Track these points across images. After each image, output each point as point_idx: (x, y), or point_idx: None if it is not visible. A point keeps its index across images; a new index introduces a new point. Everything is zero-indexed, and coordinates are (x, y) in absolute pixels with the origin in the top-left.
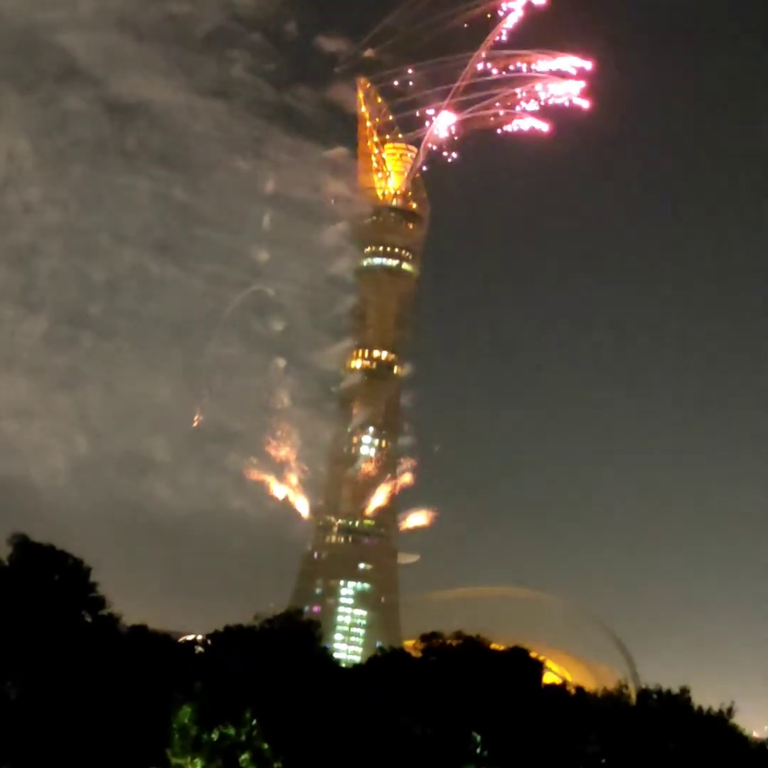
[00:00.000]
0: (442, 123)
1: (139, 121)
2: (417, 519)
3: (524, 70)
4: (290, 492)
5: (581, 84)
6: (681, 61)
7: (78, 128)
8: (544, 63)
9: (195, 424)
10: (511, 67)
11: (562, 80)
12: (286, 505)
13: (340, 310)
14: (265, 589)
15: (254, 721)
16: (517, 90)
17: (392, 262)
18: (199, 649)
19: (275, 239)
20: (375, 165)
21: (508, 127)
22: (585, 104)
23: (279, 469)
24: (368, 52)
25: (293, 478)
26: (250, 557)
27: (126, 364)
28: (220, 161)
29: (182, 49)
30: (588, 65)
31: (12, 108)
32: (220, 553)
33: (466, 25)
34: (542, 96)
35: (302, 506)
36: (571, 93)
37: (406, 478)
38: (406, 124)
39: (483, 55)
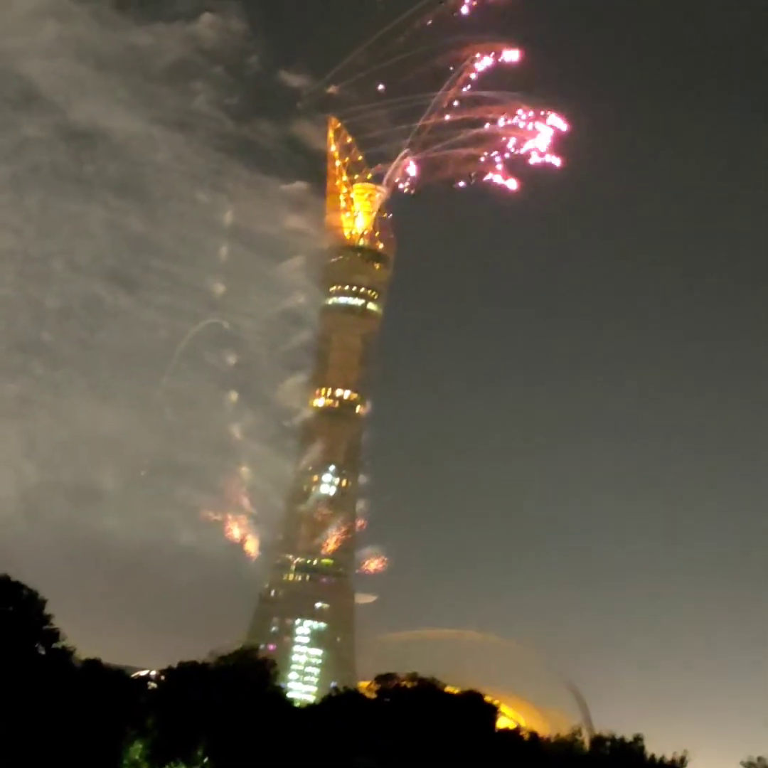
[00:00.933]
0: (404, 165)
1: (98, 149)
2: (374, 561)
3: (494, 122)
4: (243, 528)
5: (549, 138)
6: (655, 119)
7: (35, 155)
8: (512, 116)
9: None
10: (478, 117)
11: (532, 136)
12: (239, 541)
13: (297, 344)
14: (220, 625)
15: (206, 759)
16: (484, 145)
17: (358, 302)
18: (153, 684)
19: (232, 272)
20: (343, 204)
21: (473, 178)
22: (556, 161)
23: (233, 505)
24: (331, 89)
25: (247, 514)
26: (203, 592)
27: (76, 394)
28: (178, 192)
29: (143, 80)
30: (562, 126)
31: None
32: (173, 587)
33: (432, 70)
34: (512, 151)
35: (255, 543)
36: (541, 149)
37: (361, 522)
38: (371, 162)
39: (446, 102)
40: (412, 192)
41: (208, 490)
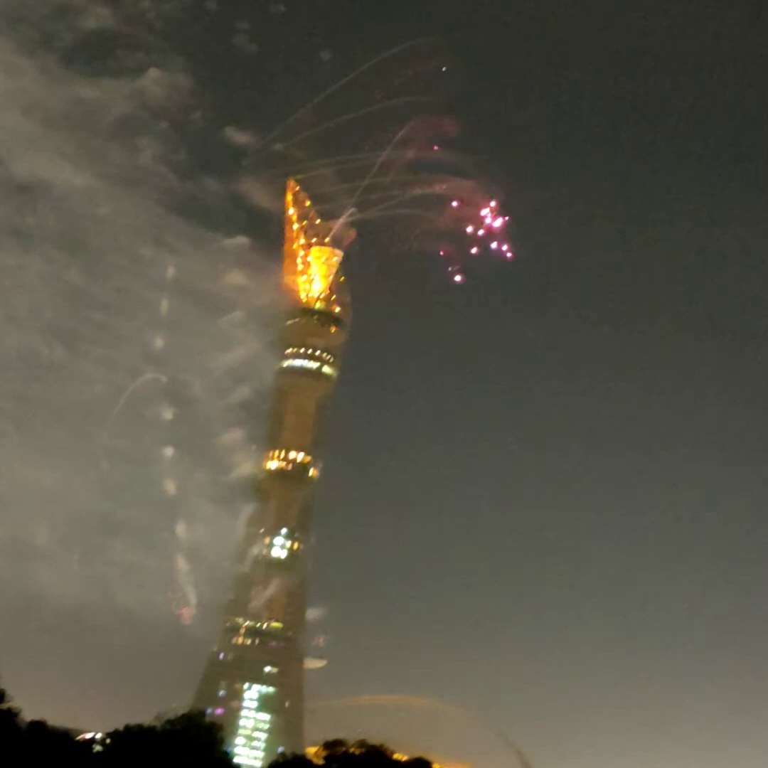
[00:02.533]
0: (346, 227)
1: (39, 202)
2: (320, 639)
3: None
4: (185, 589)
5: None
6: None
7: None
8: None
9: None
10: (419, 191)
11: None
12: (180, 601)
13: (238, 400)
14: (163, 687)
15: None
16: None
17: (313, 365)
18: (98, 747)
19: (172, 326)
20: (300, 267)
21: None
22: (506, 254)
23: (170, 563)
24: (278, 146)
25: (188, 574)
26: (144, 653)
27: (11, 447)
28: (119, 246)
29: (88, 135)
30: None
31: None
32: (114, 646)
33: (377, 131)
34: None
35: (190, 607)
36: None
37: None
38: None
39: (390, 164)
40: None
41: (145, 548)
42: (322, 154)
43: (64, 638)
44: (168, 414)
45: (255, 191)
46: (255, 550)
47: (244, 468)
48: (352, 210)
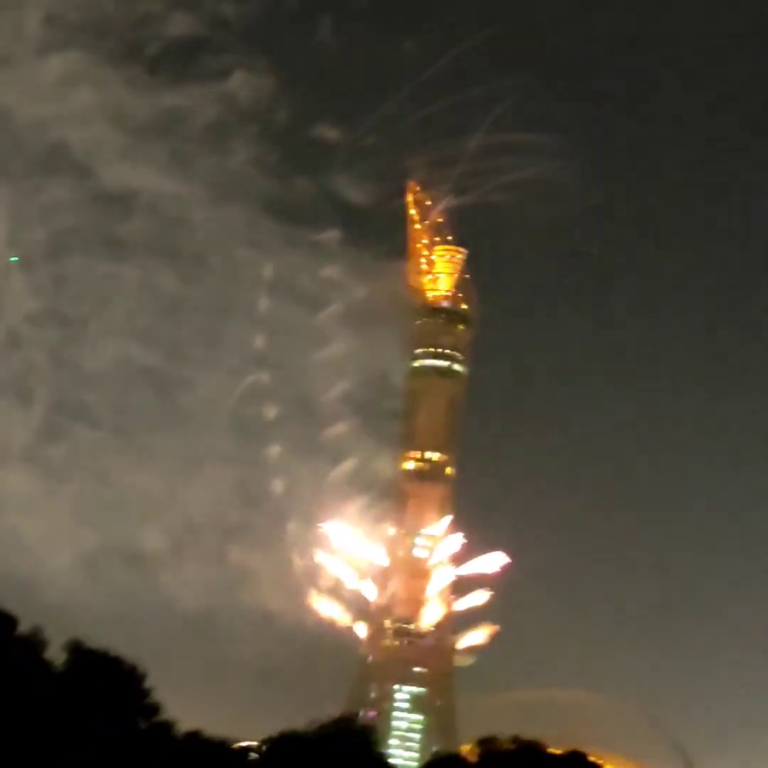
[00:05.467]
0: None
1: (130, 210)
2: (474, 636)
3: None
4: (307, 589)
5: None
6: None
7: (68, 218)
8: None
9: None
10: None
11: None
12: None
13: (338, 394)
14: (310, 690)
15: None
16: None
17: (443, 363)
18: (254, 755)
19: (271, 325)
20: (424, 266)
21: None
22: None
23: (288, 564)
24: (366, 140)
25: (307, 574)
26: (282, 657)
27: (113, 455)
28: (212, 249)
29: (177, 141)
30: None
31: None
32: (249, 651)
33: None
34: None
35: (334, 608)
36: None
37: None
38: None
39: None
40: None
41: (262, 549)
42: (412, 145)
43: (195, 645)
44: (271, 413)
45: (346, 186)
46: (399, 551)
47: (352, 462)
48: (448, 198)
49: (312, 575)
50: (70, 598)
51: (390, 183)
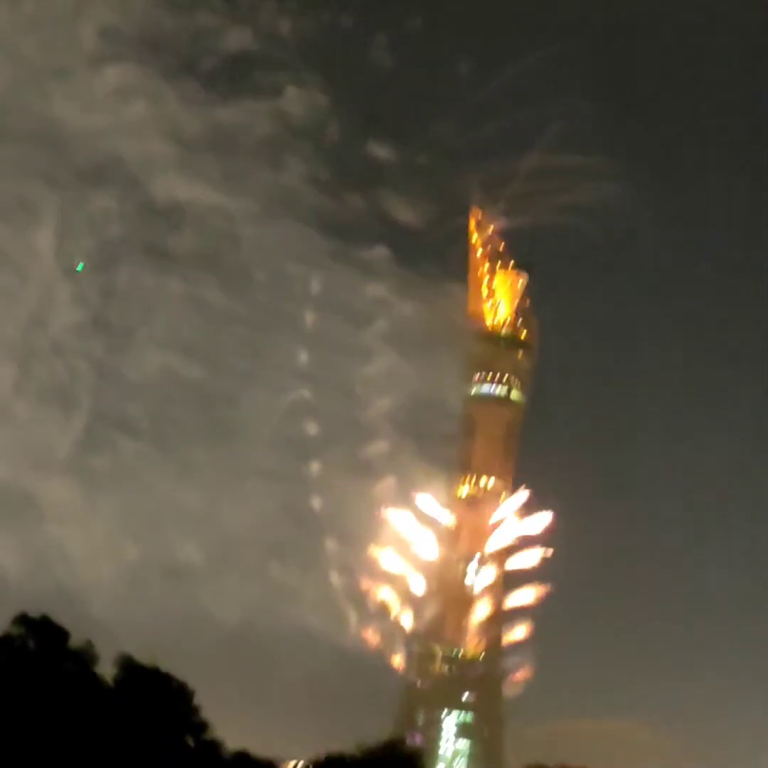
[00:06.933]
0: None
1: (178, 224)
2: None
3: None
4: (346, 608)
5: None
6: None
7: (114, 229)
8: None
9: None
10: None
11: None
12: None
13: (380, 411)
14: (354, 712)
15: None
16: None
17: (501, 390)
18: None
19: (316, 340)
20: (485, 293)
21: None
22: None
23: (328, 582)
24: (418, 161)
25: (346, 593)
26: (325, 676)
27: (152, 468)
28: (258, 264)
29: (229, 156)
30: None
31: (42, 205)
32: (290, 669)
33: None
34: None
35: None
36: None
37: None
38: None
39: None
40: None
41: (301, 567)
42: (465, 166)
43: (234, 661)
44: (312, 429)
45: (397, 205)
46: (449, 577)
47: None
48: (501, 219)
49: (353, 595)
50: (111, 610)
51: (441, 203)
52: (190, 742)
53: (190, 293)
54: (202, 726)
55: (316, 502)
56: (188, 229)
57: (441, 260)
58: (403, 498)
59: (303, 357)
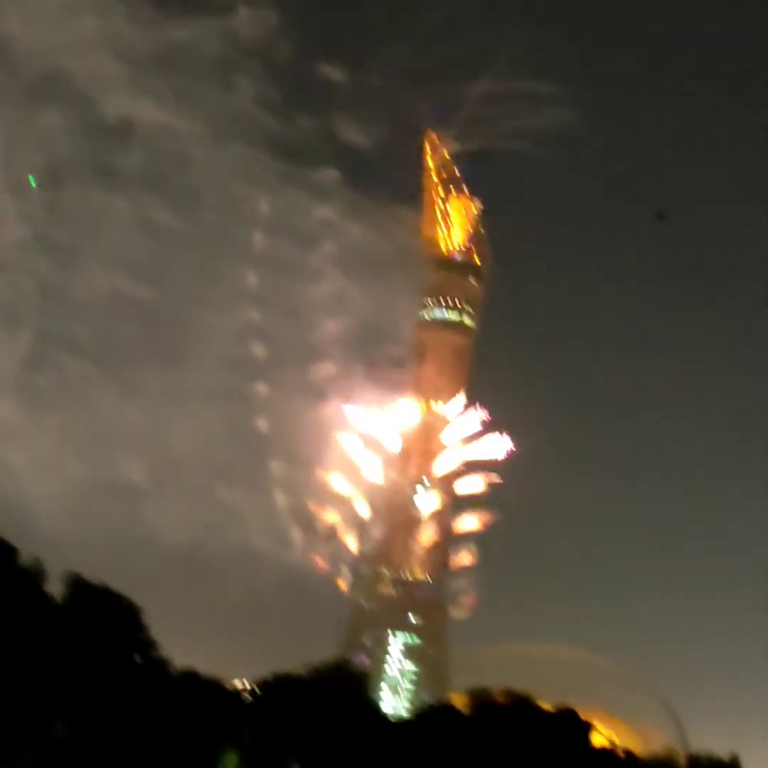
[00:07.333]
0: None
1: (127, 143)
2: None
3: None
4: (291, 530)
5: None
6: None
7: (63, 147)
8: None
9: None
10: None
11: None
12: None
13: (327, 335)
14: (304, 633)
15: None
16: None
17: (453, 316)
18: (248, 696)
19: (263, 263)
20: (439, 218)
21: None
22: None
23: (273, 503)
24: (370, 83)
25: (290, 515)
26: (271, 597)
27: (96, 387)
28: (208, 185)
29: (180, 76)
30: None
31: None
32: (239, 590)
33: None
34: None
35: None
36: None
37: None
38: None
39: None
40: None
41: (247, 488)
42: (418, 89)
43: (181, 580)
44: (260, 351)
45: (348, 127)
46: (398, 500)
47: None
48: (454, 143)
49: (299, 517)
50: (57, 528)
51: (393, 126)
52: (138, 659)
53: (138, 213)
54: (150, 644)
55: (263, 424)
56: (137, 149)
57: (392, 184)
58: (352, 421)
59: (252, 279)
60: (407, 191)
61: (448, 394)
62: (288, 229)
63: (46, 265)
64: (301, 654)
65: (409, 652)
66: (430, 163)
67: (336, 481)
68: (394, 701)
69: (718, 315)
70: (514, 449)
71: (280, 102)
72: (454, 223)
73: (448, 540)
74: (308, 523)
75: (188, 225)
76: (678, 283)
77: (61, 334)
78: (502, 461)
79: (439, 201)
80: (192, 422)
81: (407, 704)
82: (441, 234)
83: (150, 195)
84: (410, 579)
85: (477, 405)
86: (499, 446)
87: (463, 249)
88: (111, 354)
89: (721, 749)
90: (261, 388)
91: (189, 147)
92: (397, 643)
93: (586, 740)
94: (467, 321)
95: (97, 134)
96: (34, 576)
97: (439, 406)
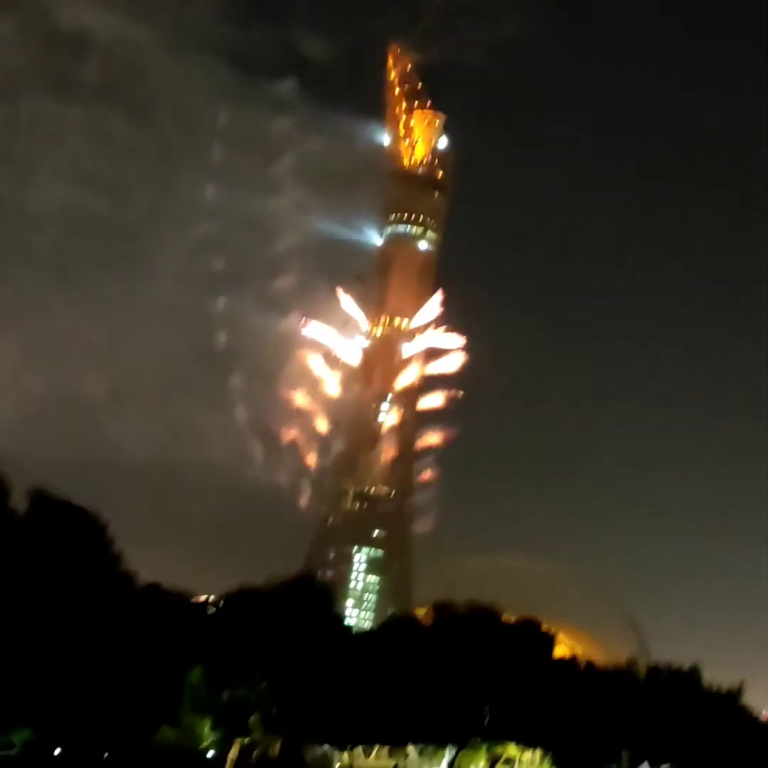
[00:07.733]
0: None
1: (83, 53)
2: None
3: None
4: (252, 445)
5: None
6: None
7: (16, 56)
8: None
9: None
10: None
11: None
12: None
13: (286, 246)
14: (259, 545)
15: (265, 683)
16: None
17: (417, 230)
18: (213, 609)
19: (221, 175)
20: (402, 132)
21: None
22: None
23: (233, 418)
24: None
25: (250, 429)
26: (235, 512)
27: (52, 300)
28: (165, 97)
29: None
30: None
31: None
32: (201, 505)
33: None
34: None
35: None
36: None
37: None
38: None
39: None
40: None
41: (205, 402)
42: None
43: (145, 497)
44: (219, 265)
45: (309, 38)
46: (363, 417)
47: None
48: (414, 55)
49: (260, 432)
50: (18, 443)
51: (354, 38)
52: (104, 573)
53: (94, 125)
54: (115, 558)
55: (223, 339)
56: (93, 60)
57: (353, 96)
58: (314, 336)
59: (210, 192)
60: (369, 103)
61: (412, 309)
62: (247, 141)
63: (1, 178)
64: (266, 569)
65: (373, 565)
66: (393, 77)
67: (297, 396)
68: (359, 614)
69: None
70: (466, 344)
71: (239, 12)
72: (417, 137)
73: (411, 455)
74: (269, 439)
75: (145, 137)
76: None
77: (18, 247)
78: (465, 375)
79: (403, 115)
80: (151, 336)
81: (371, 616)
82: (403, 147)
83: (106, 107)
84: (373, 494)
85: (439, 324)
86: (460, 361)
87: (426, 163)
88: (68, 266)
89: (682, 659)
90: (220, 303)
91: (146, 58)
92: (361, 557)
93: (548, 651)
94: (430, 236)
95: (52, 44)
96: None
97: (403, 322)
